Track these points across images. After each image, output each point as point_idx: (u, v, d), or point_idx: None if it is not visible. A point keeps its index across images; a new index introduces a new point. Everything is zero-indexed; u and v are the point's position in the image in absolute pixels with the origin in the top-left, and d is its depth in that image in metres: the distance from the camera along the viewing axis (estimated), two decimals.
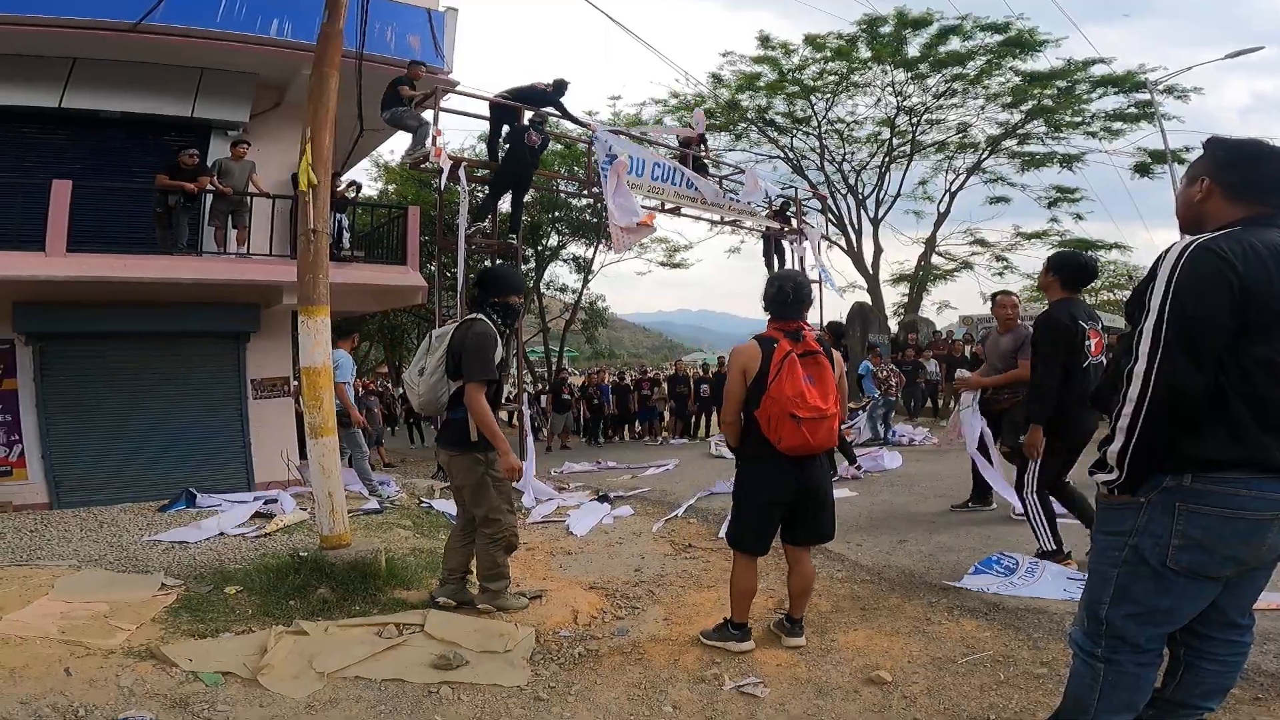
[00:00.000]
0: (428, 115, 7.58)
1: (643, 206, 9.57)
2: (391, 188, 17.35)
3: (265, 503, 6.18)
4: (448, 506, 6.39)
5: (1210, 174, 1.77)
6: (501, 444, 3.20)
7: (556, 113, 8.88)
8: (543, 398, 13.99)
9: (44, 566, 4.37)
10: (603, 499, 6.58)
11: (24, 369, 6.87)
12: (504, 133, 8.35)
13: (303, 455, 6.48)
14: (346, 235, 8.04)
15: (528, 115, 8.28)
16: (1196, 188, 1.78)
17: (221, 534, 5.26)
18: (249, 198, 7.25)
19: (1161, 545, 1.64)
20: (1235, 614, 1.80)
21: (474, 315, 3.33)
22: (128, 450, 7.18)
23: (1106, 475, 1.69)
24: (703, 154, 11.22)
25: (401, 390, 20.46)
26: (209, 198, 7.12)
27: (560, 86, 8.55)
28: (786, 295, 2.89)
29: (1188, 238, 1.68)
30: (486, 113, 8.59)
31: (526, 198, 9.89)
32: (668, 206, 10.78)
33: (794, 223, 12.52)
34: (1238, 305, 1.54)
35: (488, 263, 8.76)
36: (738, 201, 11.75)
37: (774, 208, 12.61)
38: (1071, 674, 1.87)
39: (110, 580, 4.05)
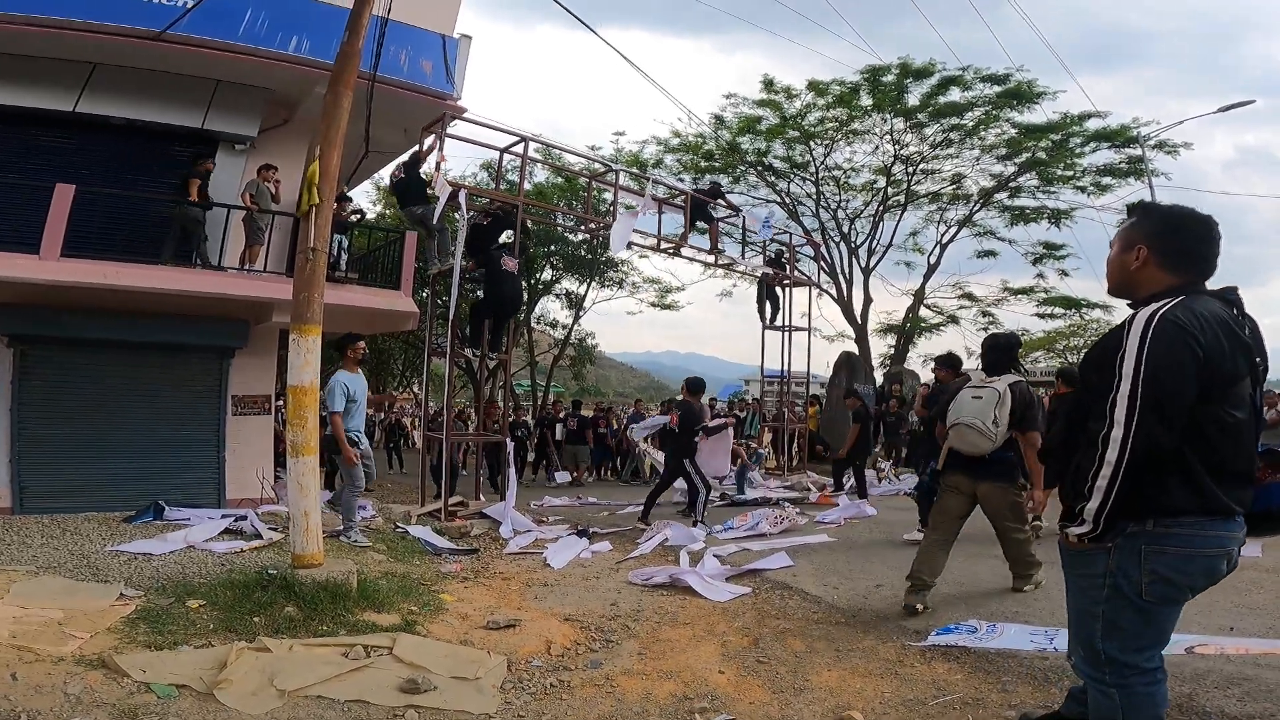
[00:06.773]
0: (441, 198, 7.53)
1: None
2: (390, 211, 17.45)
3: (235, 520, 6.04)
4: (423, 533, 6.30)
5: (1146, 241, 1.85)
6: (1040, 478, 3.87)
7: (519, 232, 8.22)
8: (558, 426, 13.76)
9: (0, 570, 4.22)
10: (581, 533, 6.49)
11: (1, 371, 6.74)
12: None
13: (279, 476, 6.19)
14: (344, 256, 8.05)
15: (503, 236, 7.96)
16: (1133, 255, 1.87)
17: (190, 547, 5.11)
18: (273, 215, 7.30)
19: (1134, 582, 1.78)
20: None
21: (1017, 378, 4.06)
22: (99, 459, 6.97)
23: (1079, 529, 1.82)
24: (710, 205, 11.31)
25: (386, 417, 20.30)
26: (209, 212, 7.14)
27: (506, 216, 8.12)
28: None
29: (1151, 308, 1.76)
30: (493, 142, 8.58)
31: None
32: (664, 247, 10.93)
33: (788, 269, 12.70)
34: (1201, 374, 1.69)
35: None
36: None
37: (767, 253, 12.79)
38: (1090, 704, 1.93)
39: (67, 587, 3.93)
